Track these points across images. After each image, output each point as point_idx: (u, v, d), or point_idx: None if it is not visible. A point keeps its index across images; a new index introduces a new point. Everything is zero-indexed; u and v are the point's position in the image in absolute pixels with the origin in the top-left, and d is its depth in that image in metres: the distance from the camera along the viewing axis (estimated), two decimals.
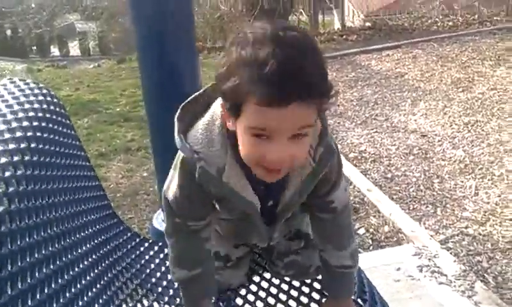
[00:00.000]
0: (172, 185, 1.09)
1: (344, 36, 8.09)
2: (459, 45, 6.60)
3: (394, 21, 9.64)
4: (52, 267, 1.00)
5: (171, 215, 1.14)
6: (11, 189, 0.94)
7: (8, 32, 21.71)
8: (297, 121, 0.90)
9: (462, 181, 3.22)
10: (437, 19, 9.26)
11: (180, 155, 1.06)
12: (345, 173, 3.37)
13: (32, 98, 1.27)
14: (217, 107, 1.01)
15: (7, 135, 1.05)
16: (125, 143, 4.38)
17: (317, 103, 0.90)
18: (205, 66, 7.16)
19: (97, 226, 1.44)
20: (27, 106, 1.22)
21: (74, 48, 20.51)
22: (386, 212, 2.93)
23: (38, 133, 1.16)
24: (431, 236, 2.69)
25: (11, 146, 1.03)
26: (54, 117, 1.30)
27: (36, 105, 1.25)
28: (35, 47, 21.17)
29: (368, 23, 9.89)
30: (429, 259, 2.49)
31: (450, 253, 2.53)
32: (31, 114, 1.20)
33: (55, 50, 22.61)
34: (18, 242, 0.89)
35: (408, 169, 3.48)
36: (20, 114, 1.16)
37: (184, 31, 1.86)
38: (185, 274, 1.19)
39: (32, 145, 1.10)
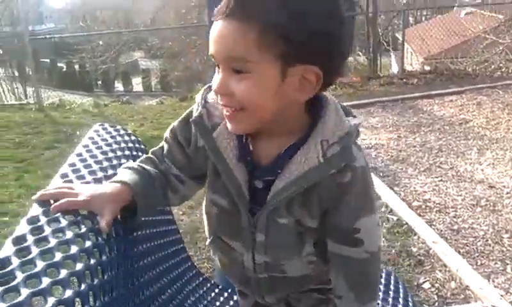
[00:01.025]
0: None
1: (404, 80, 8.02)
2: None
3: (455, 65, 9.47)
4: None
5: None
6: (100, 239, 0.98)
7: (76, 67, 23.06)
8: (229, 44, 0.87)
9: None
10: (501, 65, 9.01)
11: None
12: (409, 222, 3.28)
13: (123, 144, 1.34)
14: None
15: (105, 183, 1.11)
16: None
17: (258, 27, 0.84)
18: None
19: (174, 272, 1.47)
20: (119, 153, 1.29)
21: (137, 85, 21.44)
22: (453, 267, 2.82)
23: None
24: (501, 295, 2.56)
25: None
26: None
27: (126, 152, 1.32)
28: (100, 82, 22.33)
29: (427, 67, 9.77)
30: None
31: None
32: (123, 160, 1.26)
33: (119, 85, 23.74)
34: (102, 298, 0.89)
35: (475, 222, 3.35)
36: (114, 161, 1.23)
37: None
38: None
39: None
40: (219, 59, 0.90)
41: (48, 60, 21.14)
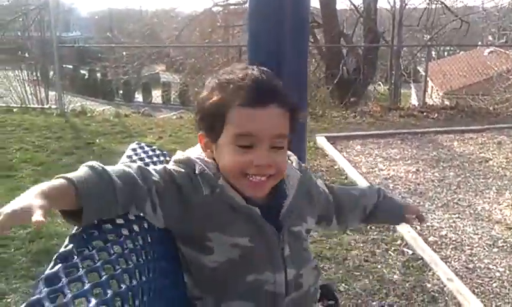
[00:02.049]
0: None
1: (425, 113, 8.00)
2: None
3: (477, 102, 9.44)
4: None
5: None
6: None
7: (98, 75, 23.42)
8: (276, 125, 1.09)
9: None
10: None
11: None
12: (424, 257, 3.24)
13: (158, 164, 1.37)
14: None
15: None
16: None
17: (289, 113, 1.11)
18: None
19: None
20: None
21: (157, 97, 21.68)
22: (467, 306, 2.78)
23: None
24: None
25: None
26: None
27: None
28: (121, 91, 22.62)
29: (447, 102, 9.75)
30: None
31: None
32: None
33: (139, 96, 24.03)
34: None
35: (491, 262, 3.30)
36: None
37: (297, 83, 1.92)
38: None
39: None
40: (264, 136, 1.08)
41: (71, 66, 21.52)
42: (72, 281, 0.81)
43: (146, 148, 1.42)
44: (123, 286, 0.87)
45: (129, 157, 1.35)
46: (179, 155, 1.20)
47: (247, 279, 1.13)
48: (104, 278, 0.85)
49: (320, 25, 11.69)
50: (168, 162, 1.43)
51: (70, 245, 0.88)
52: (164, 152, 1.47)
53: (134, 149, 1.40)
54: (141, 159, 1.34)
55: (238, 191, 1.12)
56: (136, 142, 1.46)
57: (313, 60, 12.99)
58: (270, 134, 1.08)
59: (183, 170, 1.13)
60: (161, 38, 16.63)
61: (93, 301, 0.78)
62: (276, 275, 1.14)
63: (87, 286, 0.81)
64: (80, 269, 0.84)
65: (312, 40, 12.35)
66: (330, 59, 11.39)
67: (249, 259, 1.13)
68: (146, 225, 1.08)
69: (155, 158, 1.38)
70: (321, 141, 6.07)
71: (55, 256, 0.85)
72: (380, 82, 13.91)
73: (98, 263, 0.87)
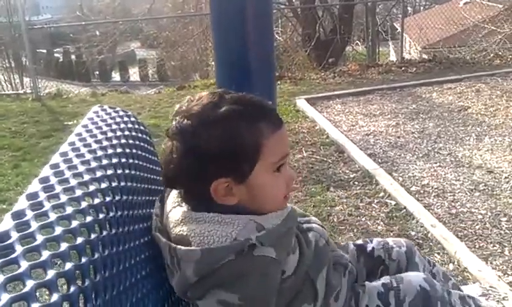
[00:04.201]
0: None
1: (403, 68, 8.00)
2: None
3: (454, 54, 9.45)
4: (134, 298, 0.99)
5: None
6: (111, 214, 0.98)
7: (73, 57, 22.95)
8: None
9: None
10: (500, 53, 9.00)
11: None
12: (407, 206, 3.30)
13: (122, 125, 1.33)
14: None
15: (105, 161, 1.11)
16: None
17: None
18: None
19: None
20: (119, 133, 1.28)
21: (134, 75, 21.39)
22: (451, 250, 2.83)
23: (130, 160, 1.21)
24: (499, 277, 2.58)
25: (109, 172, 1.08)
26: (142, 143, 1.35)
27: (126, 132, 1.31)
28: (97, 72, 22.25)
29: (426, 56, 9.75)
30: (498, 301, 2.37)
31: None
32: (123, 140, 1.25)
33: (116, 76, 23.67)
34: (105, 272, 0.87)
35: (473, 206, 3.36)
36: (114, 141, 1.22)
37: (265, 64, 1.90)
38: None
39: (126, 171, 1.15)
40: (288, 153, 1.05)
41: (45, 51, 21.04)
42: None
43: (109, 110, 1.37)
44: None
45: (90, 119, 1.31)
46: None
47: None
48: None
49: None
50: (134, 123, 1.40)
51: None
52: (129, 113, 1.42)
53: (95, 112, 1.36)
54: (104, 121, 1.30)
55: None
56: (99, 105, 1.41)
57: (290, 24, 12.86)
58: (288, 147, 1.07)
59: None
60: (133, 14, 16.27)
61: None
62: None
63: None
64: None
65: (287, 3, 12.20)
66: (306, 22, 11.26)
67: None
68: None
69: (118, 119, 1.34)
70: (301, 103, 6.05)
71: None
72: (358, 42, 13.83)
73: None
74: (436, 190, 3.63)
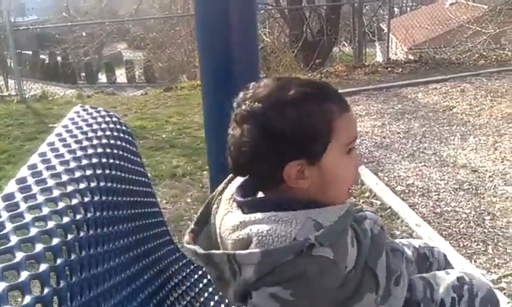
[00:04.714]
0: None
1: (389, 69, 8.05)
2: (509, 80, 6.45)
3: (440, 54, 9.53)
4: (112, 301, 0.99)
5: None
6: (89, 215, 0.98)
7: (59, 59, 22.75)
8: None
9: None
10: (484, 53, 9.10)
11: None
12: (393, 206, 3.32)
13: (104, 125, 1.32)
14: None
15: (84, 161, 1.10)
16: (171, 169, 4.46)
17: None
18: None
19: (156, 254, 1.46)
20: (100, 133, 1.27)
21: (120, 76, 21.26)
22: None
23: (111, 160, 1.20)
24: (483, 274, 2.60)
25: (88, 172, 1.07)
26: (124, 144, 1.34)
27: (107, 132, 1.30)
28: (83, 74, 22.08)
29: (412, 57, 9.83)
30: None
31: (504, 294, 2.44)
32: (104, 141, 1.24)
33: (102, 77, 23.50)
34: (82, 274, 0.87)
35: (457, 205, 3.38)
36: (95, 141, 1.21)
37: (249, 65, 1.90)
38: None
39: (107, 171, 1.14)
40: None
41: (30, 52, 20.83)
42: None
43: (91, 110, 1.36)
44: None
45: (71, 119, 1.30)
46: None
47: None
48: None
49: None
50: (116, 123, 1.39)
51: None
52: (111, 113, 1.41)
53: (76, 112, 1.34)
54: (85, 120, 1.29)
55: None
56: (80, 104, 1.40)
57: (277, 25, 12.87)
58: None
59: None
60: (120, 15, 16.18)
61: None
62: None
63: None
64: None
65: (274, 4, 12.22)
66: (293, 22, 11.29)
67: None
68: None
69: (100, 119, 1.33)
70: None
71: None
72: (345, 43, 13.89)
73: None
74: (421, 189, 3.65)
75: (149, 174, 4.67)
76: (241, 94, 1.01)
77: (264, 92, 0.98)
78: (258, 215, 0.95)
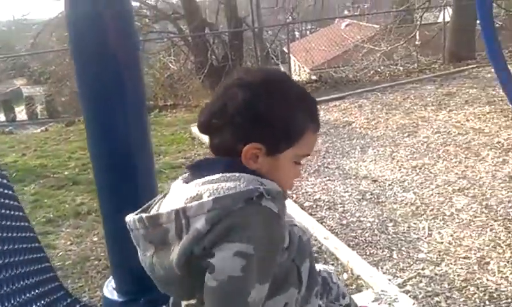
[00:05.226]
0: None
1: None
2: (402, 93, 6.91)
3: (339, 73, 10.05)
4: None
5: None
6: None
7: None
8: None
9: (415, 223, 3.29)
10: (379, 70, 9.72)
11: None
12: (302, 221, 3.39)
13: None
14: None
15: None
16: (74, 207, 4.23)
17: None
18: (156, 124, 7.15)
19: (44, 300, 1.36)
20: None
21: (21, 113, 20.06)
22: (344, 259, 2.93)
23: None
24: (389, 280, 2.70)
25: None
26: None
27: None
28: None
29: (314, 77, 10.26)
30: (389, 304, 2.48)
31: (410, 296, 2.54)
32: None
33: (0, 116, 22.02)
34: None
35: (362, 215, 3.52)
36: None
37: (134, 95, 1.82)
38: None
39: None
40: None
41: None
42: None
43: None
44: None
45: None
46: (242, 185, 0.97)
47: None
48: None
49: (183, 16, 11.59)
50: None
51: None
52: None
53: None
54: None
55: None
56: None
57: (182, 53, 12.88)
58: None
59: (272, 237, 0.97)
60: (16, 49, 15.33)
61: None
62: None
63: None
64: None
65: (177, 32, 12.23)
66: (197, 49, 11.36)
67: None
68: None
69: None
70: (196, 130, 6.03)
71: None
72: (250, 67, 14.21)
73: None
74: (328, 203, 3.76)
75: (51, 215, 4.39)
76: (235, 73, 1.06)
77: (265, 73, 1.06)
78: (208, 177, 0.98)
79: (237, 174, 0.98)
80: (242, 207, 0.92)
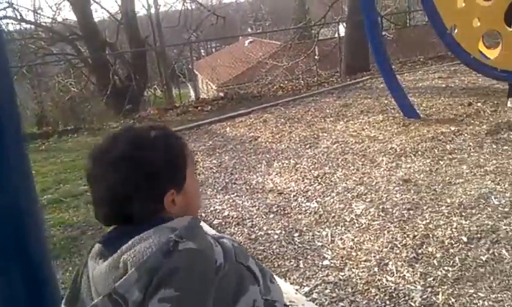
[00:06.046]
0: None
1: (199, 108, 8.34)
2: (303, 106, 7.18)
3: (244, 89, 10.23)
4: None
5: None
6: None
7: None
8: None
9: (319, 232, 3.42)
10: (282, 85, 10.04)
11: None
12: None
13: None
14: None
15: None
16: None
17: None
18: (56, 150, 6.80)
19: None
20: None
21: None
22: None
23: None
24: (296, 290, 2.77)
25: None
26: None
27: None
28: None
29: (221, 94, 10.36)
30: None
31: (316, 304, 2.63)
32: None
33: None
34: None
35: (269, 228, 3.59)
36: None
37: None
38: None
39: None
40: None
41: None
42: None
43: None
44: None
45: None
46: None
47: None
48: None
49: (81, 37, 11.20)
50: None
51: None
52: None
53: None
54: None
55: None
56: None
57: (83, 75, 12.43)
58: None
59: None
60: None
61: None
62: None
63: None
64: None
65: (76, 53, 11.79)
66: (99, 70, 11.03)
67: None
68: None
69: None
70: None
71: None
72: (156, 87, 14.04)
73: None
74: (236, 219, 3.80)
75: None
76: (96, 150, 1.13)
77: (127, 138, 1.12)
78: (124, 246, 1.04)
79: (147, 232, 1.06)
80: (164, 261, 0.99)
